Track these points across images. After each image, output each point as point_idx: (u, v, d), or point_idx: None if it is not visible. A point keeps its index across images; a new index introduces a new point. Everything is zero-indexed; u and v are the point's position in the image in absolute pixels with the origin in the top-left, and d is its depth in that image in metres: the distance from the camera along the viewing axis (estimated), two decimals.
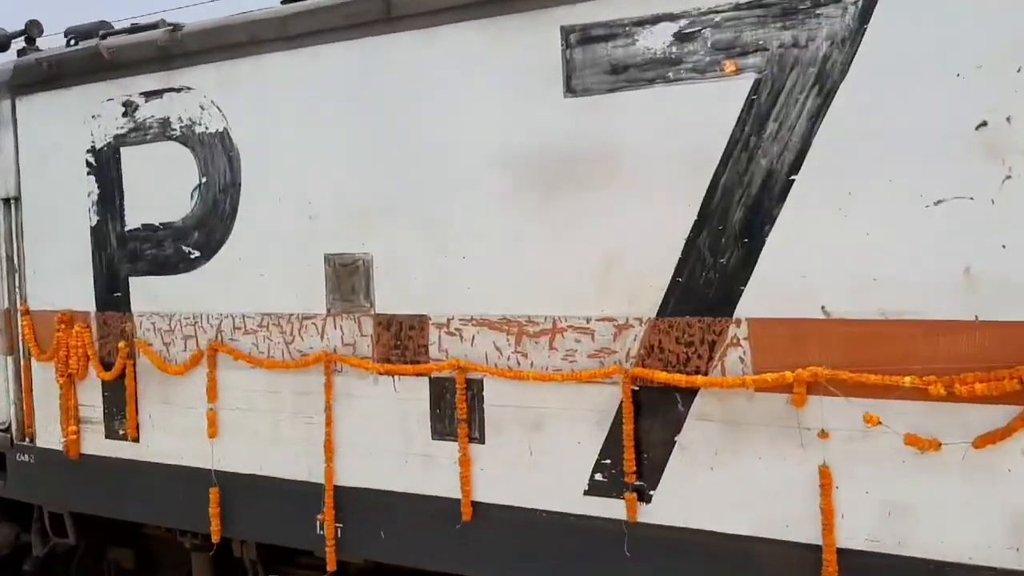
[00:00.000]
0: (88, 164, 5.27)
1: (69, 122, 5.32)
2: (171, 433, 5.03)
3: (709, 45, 3.48)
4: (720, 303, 3.52)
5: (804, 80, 3.31)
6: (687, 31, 3.53)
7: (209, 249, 4.82)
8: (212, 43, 4.72)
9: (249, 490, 4.75)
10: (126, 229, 5.13)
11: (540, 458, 3.96)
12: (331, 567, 4.50)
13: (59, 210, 5.40)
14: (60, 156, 5.37)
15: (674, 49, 3.54)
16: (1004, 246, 3.02)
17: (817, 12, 3.27)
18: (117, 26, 5.39)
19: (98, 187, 5.23)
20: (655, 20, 3.59)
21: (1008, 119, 2.98)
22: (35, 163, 5.50)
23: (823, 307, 3.34)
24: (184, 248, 4.90)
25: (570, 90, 3.78)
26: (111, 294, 5.21)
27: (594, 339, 3.79)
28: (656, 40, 3.60)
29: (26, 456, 5.66)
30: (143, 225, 5.06)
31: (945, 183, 3.09)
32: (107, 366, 5.21)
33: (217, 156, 4.75)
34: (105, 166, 5.19)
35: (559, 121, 3.81)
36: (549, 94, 3.82)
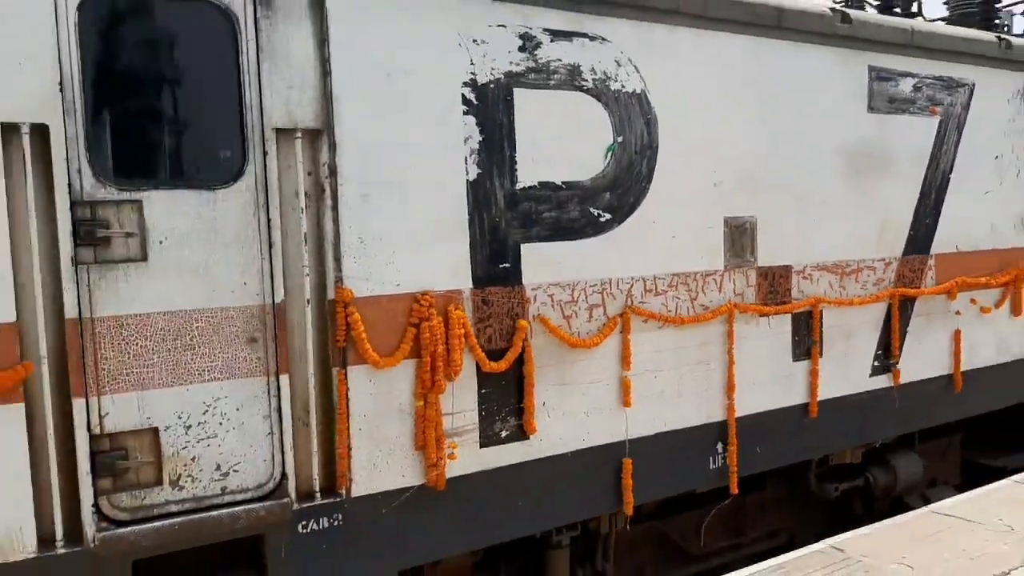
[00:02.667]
0: (466, 101, 4.29)
1: (434, 39, 4.19)
2: (570, 417, 4.73)
3: (925, 96, 6.34)
4: (924, 248, 6.45)
5: (954, 126, 6.54)
6: (917, 85, 6.30)
7: (622, 212, 4.89)
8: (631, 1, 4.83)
9: (654, 451, 5.08)
10: (518, 187, 4.49)
11: (852, 360, 6.06)
12: (734, 490, 5.42)
13: (412, 156, 4.14)
14: (415, 82, 4.15)
15: (912, 94, 6.25)
16: None
17: (960, 87, 6.53)
18: None
19: (480, 132, 4.35)
20: (905, 75, 6.23)
21: None
22: (364, 83, 3.99)
23: (956, 246, 6.66)
24: (592, 210, 4.77)
25: (871, 108, 6.04)
26: (496, 265, 4.43)
27: (877, 273, 6.16)
28: (907, 86, 6.24)
29: (324, 521, 3.99)
30: (540, 183, 4.57)
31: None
32: (490, 355, 4.41)
33: (634, 117, 4.90)
34: (492, 107, 4.38)
35: (864, 128, 6.02)
36: (859, 109, 5.98)
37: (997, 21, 8.39)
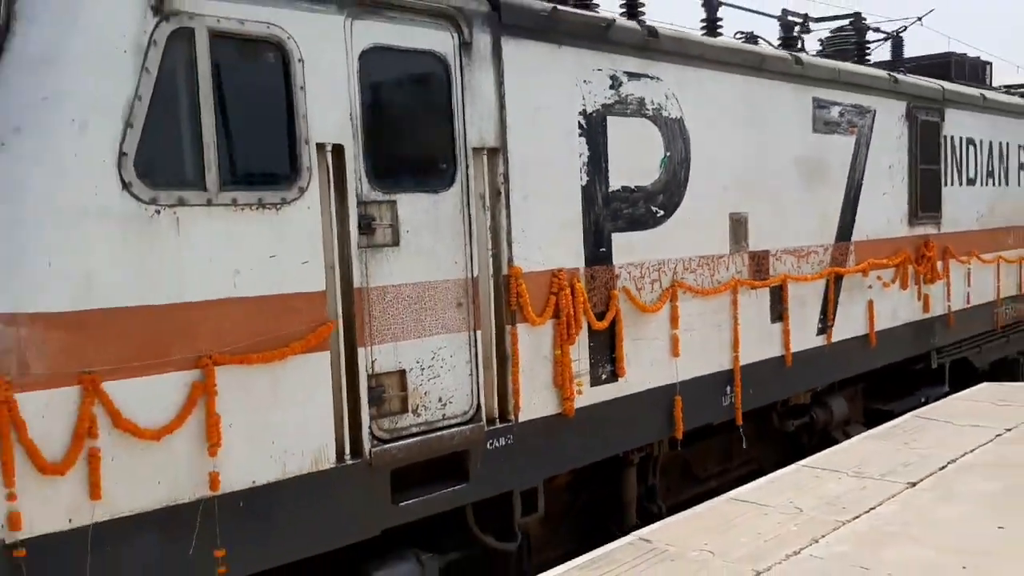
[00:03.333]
0: (580, 126, 5.83)
1: (562, 80, 5.72)
2: (642, 365, 6.35)
3: (847, 120, 8.40)
4: (847, 236, 8.51)
5: (864, 142, 8.65)
6: (841, 112, 8.36)
7: (669, 209, 6.59)
8: (677, 49, 6.51)
9: (692, 391, 6.78)
10: (609, 190, 6.07)
11: (805, 323, 8.00)
12: (739, 422, 7.21)
13: (551, 168, 5.64)
14: (552, 113, 5.65)
15: (839, 118, 8.29)
16: None
17: (868, 113, 8.65)
18: None
19: (588, 149, 5.90)
20: (834, 104, 8.27)
21: None
22: (524, 114, 5.45)
23: (867, 235, 8.77)
24: (652, 208, 6.43)
25: (814, 130, 8.03)
26: (598, 249, 5.99)
27: (819, 256, 8.15)
28: (836, 113, 8.28)
29: (503, 439, 5.41)
30: (622, 187, 6.18)
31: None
32: (597, 317, 5.96)
33: (675, 137, 6.61)
34: (594, 130, 5.94)
35: (810, 145, 7.99)
36: (807, 128, 7.95)
37: (867, 57, 10.74)
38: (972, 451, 7.12)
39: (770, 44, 8.63)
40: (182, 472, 4.13)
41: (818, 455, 7.15)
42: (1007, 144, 11.75)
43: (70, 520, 3.83)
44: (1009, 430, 7.70)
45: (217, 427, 4.18)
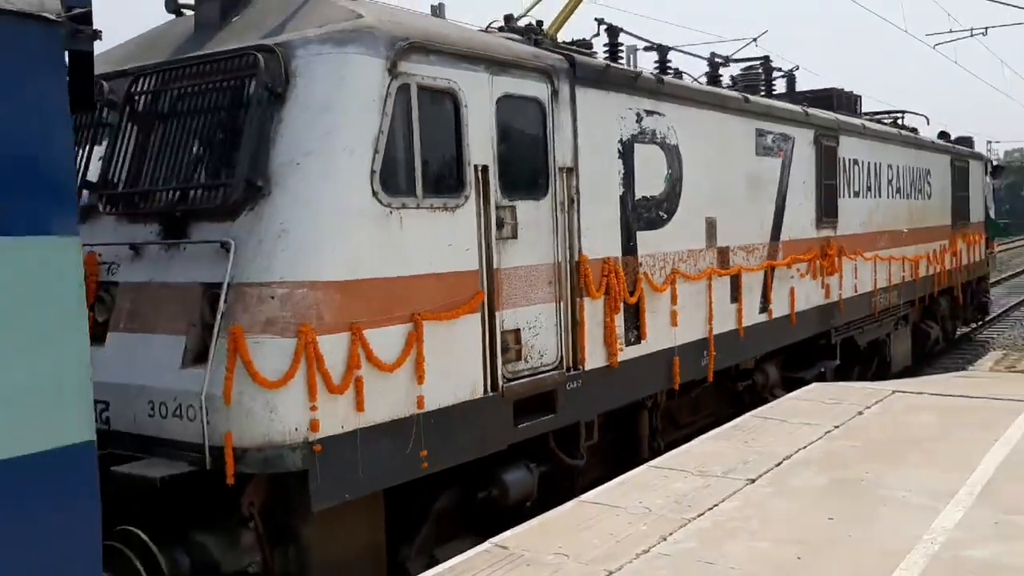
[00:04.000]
0: (618, 151, 7.89)
1: (609, 117, 7.77)
2: (655, 331, 8.44)
3: (777, 145, 10.81)
4: (777, 237, 10.92)
5: (787, 163, 11.10)
6: (773, 139, 10.76)
7: (670, 214, 8.74)
8: (675, 92, 8.66)
9: (685, 353, 8.93)
10: (635, 199, 8.13)
11: (753, 303, 10.32)
12: (711, 378, 9.41)
13: (603, 182, 7.66)
14: (603, 141, 7.69)
15: (772, 144, 10.68)
16: None
17: (788, 139, 11.11)
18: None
19: (623, 168, 7.95)
20: (769, 132, 10.66)
21: None
22: (588, 142, 7.44)
23: (790, 236, 11.22)
24: (660, 213, 8.54)
25: (756, 153, 10.38)
26: (629, 243, 8.04)
27: (760, 251, 10.50)
28: (769, 140, 10.67)
29: (575, 383, 7.38)
30: (642, 197, 8.26)
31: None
32: (629, 294, 8.02)
33: (674, 159, 8.76)
34: (626, 154, 8.01)
35: (754, 165, 10.33)
36: (752, 152, 10.29)
37: (774, 91, 13.29)
38: (805, 447, 7.76)
39: (719, 85, 10.99)
40: (401, 396, 5.89)
41: (665, 456, 7.70)
42: (879, 164, 14.58)
43: (342, 427, 5.53)
44: (837, 427, 8.49)
45: (423, 364, 5.96)
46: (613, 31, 9.30)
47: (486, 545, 5.56)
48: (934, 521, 5.89)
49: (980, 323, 23.11)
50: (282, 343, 5.30)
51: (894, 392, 10.00)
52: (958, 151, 19.95)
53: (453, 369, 6.28)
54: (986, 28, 26.57)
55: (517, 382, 6.82)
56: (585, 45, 8.43)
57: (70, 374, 3.75)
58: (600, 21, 9.35)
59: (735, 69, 13.44)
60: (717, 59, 11.99)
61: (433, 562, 6.17)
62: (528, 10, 8.64)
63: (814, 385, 10.67)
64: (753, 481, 6.82)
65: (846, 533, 5.74)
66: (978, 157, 22.08)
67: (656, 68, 10.00)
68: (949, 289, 19.17)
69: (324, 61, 5.64)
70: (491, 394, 6.59)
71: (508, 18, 8.13)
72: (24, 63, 3.55)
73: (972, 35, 26.70)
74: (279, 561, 5.56)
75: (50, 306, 3.63)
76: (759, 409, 9.35)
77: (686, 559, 5.35)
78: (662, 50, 10.41)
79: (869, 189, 14.16)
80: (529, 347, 6.96)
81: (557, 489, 7.44)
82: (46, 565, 3.66)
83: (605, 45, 8.99)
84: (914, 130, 18.26)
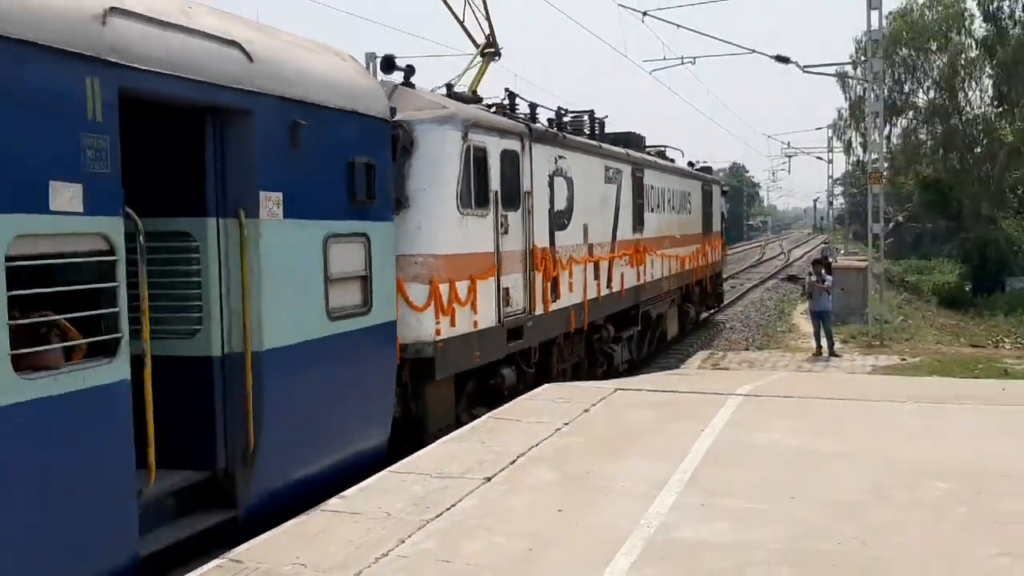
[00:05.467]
0: (547, 182, 12.97)
1: (544, 160, 12.83)
2: (563, 295, 13.52)
3: (615, 176, 16.32)
4: (615, 237, 16.46)
5: (619, 188, 16.67)
6: (615, 171, 16.27)
7: (569, 221, 13.93)
8: (570, 144, 13.84)
9: (575, 310, 14.11)
10: (554, 211, 13.24)
11: (607, 281, 15.74)
12: (585, 328, 14.67)
13: (541, 200, 12.67)
14: (541, 175, 12.71)
15: (613, 175, 16.17)
16: None
17: (620, 172, 16.69)
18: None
19: (550, 192, 13.03)
20: (610, 167, 16.15)
21: None
22: (535, 176, 12.44)
23: (620, 237, 16.79)
24: (564, 220, 13.71)
25: (605, 182, 15.87)
26: (551, 239, 13.09)
27: (607, 246, 15.94)
28: (611, 173, 16.15)
29: (531, 322, 12.31)
30: (558, 210, 13.36)
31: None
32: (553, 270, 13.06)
33: (571, 186, 13.99)
34: (550, 183, 13.11)
35: (604, 189, 15.79)
36: (603, 181, 15.75)
37: (597, 133, 18.84)
38: (537, 445, 8.17)
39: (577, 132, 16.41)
40: (468, 320, 10.52)
41: (405, 460, 7.82)
42: (664, 188, 20.60)
43: (448, 334, 10.09)
44: (566, 424, 9.05)
45: (477, 303, 10.65)
46: (512, 95, 14.29)
47: (218, 560, 5.55)
48: (650, 507, 6.39)
49: (717, 308, 30.15)
50: (422, 287, 9.82)
51: (616, 390, 11.00)
52: (705, 178, 26.78)
53: (485, 308, 10.99)
54: (695, 58, 31.21)
55: (508, 319, 11.61)
56: (511, 98, 13.42)
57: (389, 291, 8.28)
58: (507, 90, 14.33)
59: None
60: (561, 111, 17.36)
61: (463, 422, 10.85)
62: (459, 77, 13.44)
63: (545, 386, 11.49)
64: (489, 479, 7.08)
65: (574, 523, 6.15)
66: (717, 182, 29.31)
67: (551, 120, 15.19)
68: (700, 281, 25.72)
69: (431, 132, 10.17)
70: (498, 325, 11.35)
71: (449, 85, 12.77)
72: (381, 137, 7.94)
73: (683, 63, 30.92)
74: (412, 407, 10.02)
75: (384, 255, 7.92)
76: (495, 411, 9.94)
77: (424, 560, 5.51)
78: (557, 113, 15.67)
79: (659, 206, 20.12)
80: (512, 299, 11.76)
81: (520, 384, 12.42)
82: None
83: (527, 110, 14.00)
84: (672, 160, 24.68)
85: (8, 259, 4.48)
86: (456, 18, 13.44)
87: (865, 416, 9.66)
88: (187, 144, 6.18)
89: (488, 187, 11.10)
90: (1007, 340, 26.87)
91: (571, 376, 14.02)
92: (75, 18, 4.90)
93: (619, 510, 6.39)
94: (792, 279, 36.90)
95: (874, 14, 22.92)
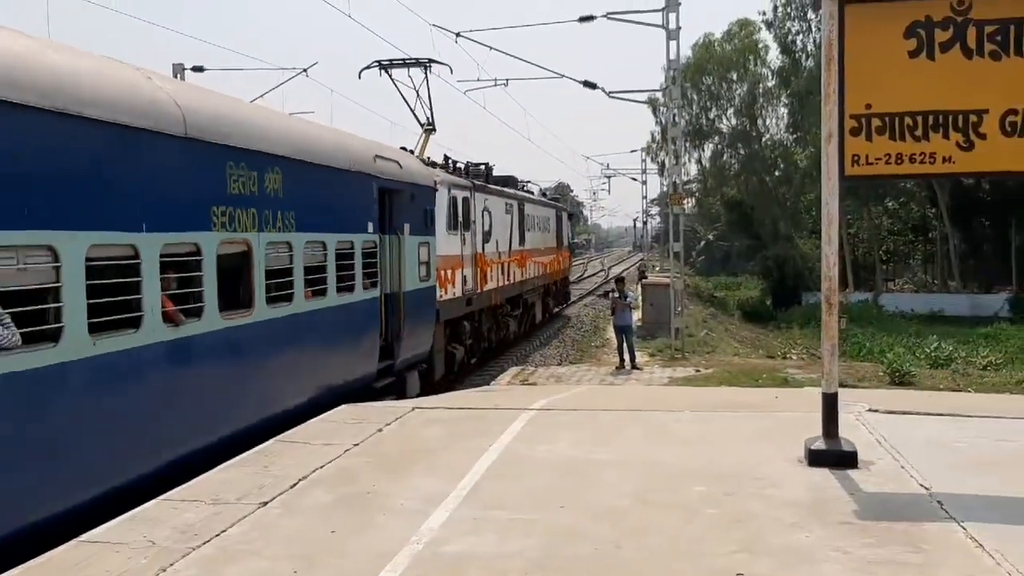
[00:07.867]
0: (482, 214, 22.05)
1: (480, 201, 22.00)
2: (489, 282, 22.38)
3: (508, 207, 23.52)
4: (512, 248, 21.98)
5: (515, 215, 25.37)
6: (509, 205, 23.88)
7: (490, 238, 22.94)
8: (490, 191, 22.99)
9: (496, 292, 22.66)
10: (484, 231, 22.23)
11: (507, 275, 22.15)
12: (495, 304, 21.68)
13: (479, 224, 21.60)
14: (479, 210, 21.73)
15: (507, 207, 24.84)
16: None
17: (520, 206, 21.96)
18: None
19: (483, 220, 22.17)
20: (510, 203, 24.15)
21: None
22: (476, 211, 21.41)
23: (522, 249, 20.88)
24: (489, 237, 22.74)
25: (505, 212, 24.73)
26: (483, 248, 22.19)
27: (511, 255, 24.43)
28: (511, 206, 20.73)
29: (476, 295, 21.06)
30: (486, 231, 22.25)
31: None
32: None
33: (491, 216, 23.17)
34: (482, 215, 22.17)
35: (506, 216, 24.72)
36: (504, 212, 24.17)
37: (490, 177, 23.87)
38: (322, 467, 7.95)
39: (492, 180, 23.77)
40: (453, 290, 18.91)
41: (179, 488, 7.40)
42: (535, 215, 29.33)
43: (446, 296, 18.38)
44: (357, 444, 8.80)
45: (456, 282, 19.26)
46: (447, 158, 21.74)
47: None
48: (423, 524, 6.41)
49: (565, 304, 38.68)
50: (434, 271, 17.55)
51: (414, 408, 10.88)
52: (558, 206, 36.61)
53: (459, 285, 19.42)
54: (507, 79, 31.54)
55: (466, 293, 20.10)
56: (446, 159, 21.92)
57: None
58: (446, 156, 22.11)
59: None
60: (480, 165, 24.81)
61: (448, 350, 18.71)
62: (417, 145, 20.52)
63: (341, 407, 10.95)
64: (266, 504, 6.93)
65: (345, 543, 6.09)
66: (565, 209, 39.52)
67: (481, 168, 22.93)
68: (556, 282, 34.98)
69: (440, 189, 17.71)
70: (462, 296, 19.87)
71: (403, 147, 19.91)
72: (431, 195, 16.68)
73: (496, 84, 31.22)
74: None
75: (433, 253, 16.50)
76: (284, 434, 9.45)
77: None
78: (487, 167, 24.35)
79: (532, 228, 29.04)
80: (468, 282, 20.23)
81: (471, 334, 21.00)
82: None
83: (464, 165, 22.24)
84: (532, 192, 33.32)
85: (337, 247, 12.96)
86: (408, 105, 20.69)
87: (644, 425, 9.78)
88: (381, 203, 13.92)
89: (457, 218, 19.57)
90: (794, 352, 29.03)
91: (494, 331, 23.60)
92: (367, 159, 13.35)
93: (392, 528, 6.39)
94: (606, 295, 38.97)
95: (672, 44, 24.35)
